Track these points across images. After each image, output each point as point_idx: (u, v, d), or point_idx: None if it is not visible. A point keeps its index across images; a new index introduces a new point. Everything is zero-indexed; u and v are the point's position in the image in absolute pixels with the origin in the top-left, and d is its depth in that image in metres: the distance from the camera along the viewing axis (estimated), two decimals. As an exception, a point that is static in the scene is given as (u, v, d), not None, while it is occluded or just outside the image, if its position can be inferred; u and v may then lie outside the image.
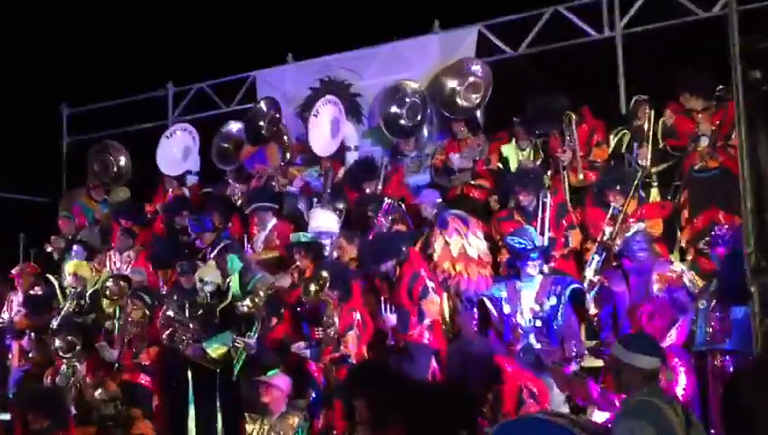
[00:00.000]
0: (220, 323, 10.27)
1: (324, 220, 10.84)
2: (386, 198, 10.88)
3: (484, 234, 10.13)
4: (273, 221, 11.44)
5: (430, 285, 9.33)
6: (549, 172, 10.74)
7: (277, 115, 12.81)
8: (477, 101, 11.93)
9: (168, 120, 14.58)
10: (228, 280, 10.58)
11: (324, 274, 9.50)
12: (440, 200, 10.62)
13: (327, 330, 9.53)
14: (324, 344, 9.55)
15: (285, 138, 12.80)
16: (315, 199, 11.66)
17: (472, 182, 11.36)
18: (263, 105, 13.04)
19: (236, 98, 14.19)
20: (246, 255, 10.97)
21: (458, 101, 12.04)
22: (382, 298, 9.52)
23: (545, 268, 9.28)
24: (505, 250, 9.81)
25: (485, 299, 9.27)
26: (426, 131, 12.36)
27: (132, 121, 14.84)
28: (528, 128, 11.04)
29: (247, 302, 9.92)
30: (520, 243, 9.27)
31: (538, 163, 10.85)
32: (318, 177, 12.08)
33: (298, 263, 10.32)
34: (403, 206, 10.93)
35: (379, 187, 11.48)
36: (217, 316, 10.37)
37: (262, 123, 12.88)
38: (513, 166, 11.05)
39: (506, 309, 9.10)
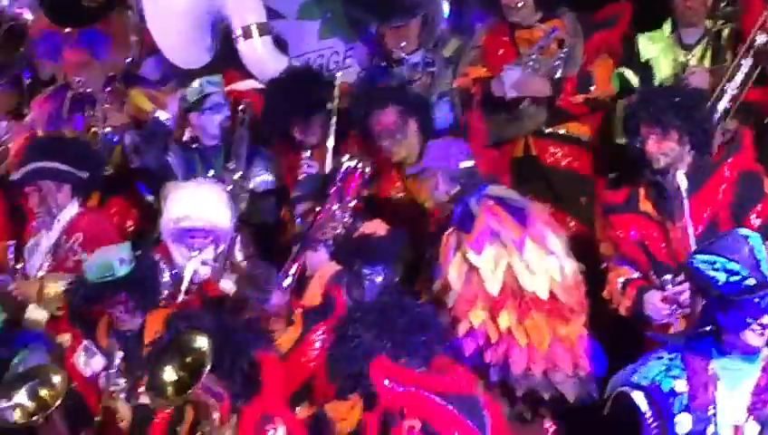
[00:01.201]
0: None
1: (197, 205, 7.05)
2: (346, 159, 7.07)
3: (576, 242, 6.52)
4: (72, 207, 7.33)
5: None
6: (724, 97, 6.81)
7: None
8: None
9: None
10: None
11: (200, 341, 5.77)
12: (471, 164, 6.70)
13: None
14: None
15: (130, 14, 8.05)
16: (195, 157, 7.63)
17: (550, 131, 7.24)
18: None
19: None
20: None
21: None
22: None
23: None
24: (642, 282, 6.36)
25: (632, 391, 5.81)
26: (444, 7, 8.06)
27: None
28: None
29: (19, 399, 6.60)
30: (729, 271, 5.45)
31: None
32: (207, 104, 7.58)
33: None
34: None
35: (331, 132, 7.28)
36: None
37: None
38: (660, 79, 7.02)
39: (684, 424, 5.58)
